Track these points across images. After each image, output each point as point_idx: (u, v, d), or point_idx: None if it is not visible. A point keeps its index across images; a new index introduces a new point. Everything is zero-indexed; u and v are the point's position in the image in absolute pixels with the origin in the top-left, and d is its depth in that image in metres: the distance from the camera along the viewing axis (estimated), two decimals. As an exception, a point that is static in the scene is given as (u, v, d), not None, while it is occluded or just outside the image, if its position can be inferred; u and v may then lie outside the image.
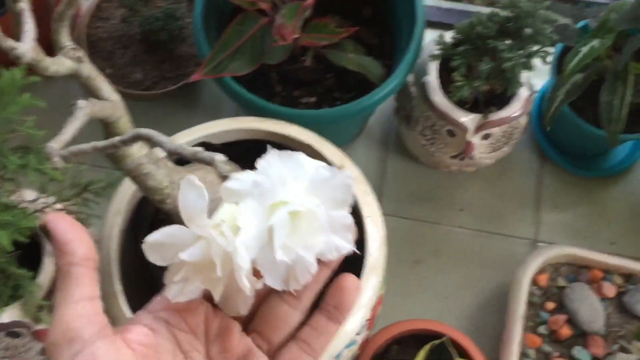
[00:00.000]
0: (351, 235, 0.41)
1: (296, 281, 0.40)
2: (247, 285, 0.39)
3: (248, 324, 0.44)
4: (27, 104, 0.65)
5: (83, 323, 0.38)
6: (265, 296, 0.44)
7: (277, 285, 0.40)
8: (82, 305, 0.38)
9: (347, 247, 0.41)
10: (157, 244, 0.40)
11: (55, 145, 0.46)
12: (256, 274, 0.40)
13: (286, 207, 0.39)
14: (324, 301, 0.43)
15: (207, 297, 0.43)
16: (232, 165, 0.84)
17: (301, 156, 0.40)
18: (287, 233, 0.39)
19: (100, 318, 0.39)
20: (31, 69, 0.48)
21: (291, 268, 0.40)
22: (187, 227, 0.40)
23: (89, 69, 0.55)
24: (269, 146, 0.40)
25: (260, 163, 0.39)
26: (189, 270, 0.40)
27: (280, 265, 0.39)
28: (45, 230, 0.39)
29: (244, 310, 0.41)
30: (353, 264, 0.79)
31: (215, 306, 0.43)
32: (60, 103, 1.21)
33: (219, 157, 0.42)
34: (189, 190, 0.39)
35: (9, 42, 0.37)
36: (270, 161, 0.39)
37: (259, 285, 0.40)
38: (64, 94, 1.24)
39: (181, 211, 0.39)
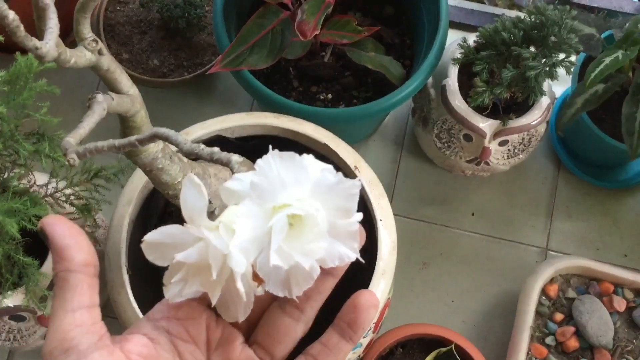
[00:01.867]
0: (357, 243, 0.39)
1: (297, 287, 0.38)
2: (243, 290, 0.37)
3: (250, 335, 0.43)
4: (42, 90, 0.65)
5: (80, 332, 0.36)
6: (267, 306, 0.43)
7: (278, 292, 0.38)
8: (79, 314, 0.36)
9: (352, 255, 0.38)
10: (156, 244, 0.38)
11: (72, 140, 0.45)
12: (257, 279, 0.39)
13: (285, 210, 0.37)
14: (338, 317, 0.41)
15: (209, 306, 0.41)
16: (249, 165, 0.83)
17: (305, 158, 0.38)
18: (284, 237, 0.37)
19: (98, 327, 0.37)
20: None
21: (291, 274, 0.38)
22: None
23: (108, 62, 0.54)
24: (270, 146, 0.38)
25: (258, 163, 0.37)
26: (187, 271, 0.39)
27: (279, 271, 0.38)
28: (43, 233, 0.37)
29: (242, 316, 0.40)
30: (363, 267, 0.78)
31: (217, 315, 0.42)
32: (73, 89, 1.21)
33: (235, 158, 0.41)
34: (189, 189, 0.38)
35: (33, 42, 0.35)
36: (270, 162, 0.37)
37: (260, 291, 0.39)
38: (78, 80, 1.23)
39: (182, 210, 0.38)
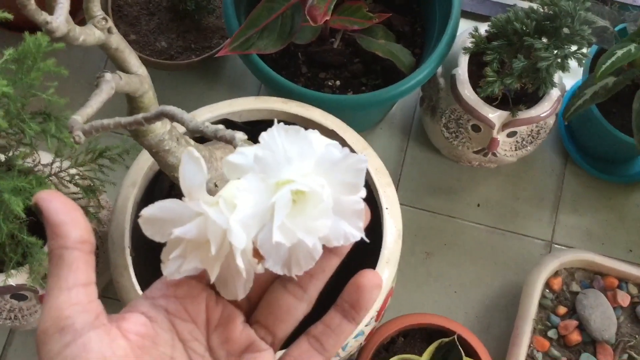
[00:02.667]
0: (362, 222, 0.38)
1: (298, 266, 0.37)
2: (242, 267, 0.36)
3: (251, 314, 0.42)
4: (50, 70, 0.64)
5: (76, 311, 0.35)
6: (269, 285, 0.42)
7: (278, 270, 0.37)
8: (75, 292, 0.35)
9: (357, 234, 0.37)
10: (153, 219, 0.37)
11: (79, 118, 0.45)
12: (257, 255, 0.37)
13: (289, 185, 0.36)
14: (341, 298, 0.40)
15: (209, 284, 0.40)
16: (253, 145, 0.82)
17: (310, 133, 0.37)
18: (287, 213, 0.36)
19: (94, 305, 0.36)
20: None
21: (293, 252, 0.37)
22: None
23: (118, 41, 0.54)
24: (275, 120, 0.37)
25: (263, 137, 0.36)
26: (186, 247, 0.38)
27: (281, 248, 0.37)
28: (38, 210, 0.36)
29: (241, 294, 0.39)
30: (368, 255, 0.78)
31: (217, 294, 0.41)
32: (80, 70, 1.20)
33: (240, 135, 0.40)
34: (188, 163, 0.37)
35: (44, 16, 0.35)
36: (275, 135, 0.35)
37: (260, 268, 0.37)
38: (85, 61, 1.22)
39: (181, 185, 0.37)
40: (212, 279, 0.38)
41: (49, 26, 0.36)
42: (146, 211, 0.37)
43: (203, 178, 0.37)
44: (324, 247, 0.37)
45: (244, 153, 0.36)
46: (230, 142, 0.40)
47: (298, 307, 0.41)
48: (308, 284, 0.41)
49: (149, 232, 0.38)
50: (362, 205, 0.38)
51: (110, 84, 0.50)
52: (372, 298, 0.40)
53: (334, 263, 0.41)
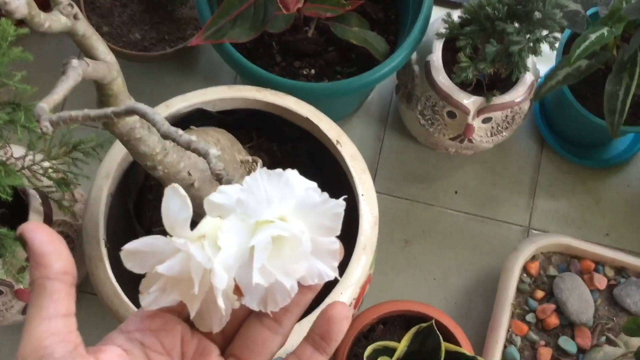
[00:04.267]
0: (336, 262, 0.39)
1: (274, 303, 0.39)
2: (223, 307, 0.37)
3: (226, 347, 0.43)
4: (17, 57, 0.63)
5: (55, 341, 0.36)
6: (245, 319, 0.43)
7: (254, 306, 0.38)
8: (55, 322, 0.36)
9: (331, 274, 0.39)
10: (135, 252, 0.38)
11: (45, 105, 0.44)
12: (237, 292, 0.38)
13: (270, 229, 0.37)
14: (311, 330, 0.42)
15: (184, 318, 0.41)
16: (229, 138, 0.82)
17: (291, 175, 0.38)
18: (267, 256, 0.37)
19: (73, 336, 0.37)
20: (24, 23, 0.46)
21: (270, 290, 0.38)
22: (170, 235, 0.38)
23: (84, 27, 0.53)
24: (260, 162, 0.39)
25: (246, 180, 0.37)
26: (167, 282, 0.39)
27: (259, 287, 0.38)
28: (22, 240, 0.37)
29: (217, 327, 0.40)
30: (344, 243, 0.78)
31: (192, 327, 0.42)
32: (51, 61, 1.19)
33: (214, 152, 0.41)
34: (173, 199, 0.38)
35: (2, -5, 0.34)
36: (257, 179, 0.37)
37: (237, 304, 0.39)
38: (56, 52, 1.21)
39: (164, 219, 0.38)
40: (192, 314, 0.39)
41: (8, 7, 0.35)
42: (129, 246, 0.38)
43: (187, 215, 0.38)
44: (299, 283, 0.39)
45: (227, 193, 0.38)
46: (205, 157, 0.41)
47: (273, 340, 0.42)
48: (283, 318, 0.42)
49: (129, 264, 0.39)
50: (337, 245, 0.39)
51: (77, 70, 0.49)
52: (341, 330, 0.41)
53: (309, 298, 0.42)
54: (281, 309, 0.40)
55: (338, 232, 0.39)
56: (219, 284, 0.37)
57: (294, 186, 0.38)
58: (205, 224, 0.39)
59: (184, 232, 0.38)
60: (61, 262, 0.37)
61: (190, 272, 0.37)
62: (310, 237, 0.38)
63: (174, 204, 0.38)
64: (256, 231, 0.38)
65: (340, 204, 0.38)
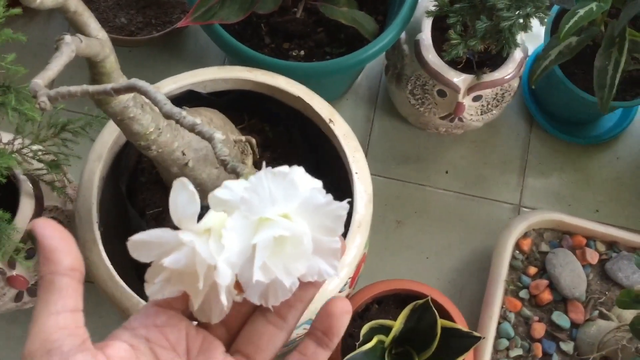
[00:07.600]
0: (337, 261, 0.40)
1: (275, 298, 0.40)
2: (226, 303, 0.38)
3: (231, 343, 0.43)
4: (8, 38, 0.62)
5: (63, 335, 0.36)
6: (249, 315, 0.43)
7: (255, 300, 0.39)
8: (63, 316, 0.37)
9: (331, 273, 0.40)
10: (142, 243, 0.39)
11: (40, 81, 0.44)
12: (238, 287, 0.39)
13: (272, 228, 0.38)
14: (313, 326, 0.42)
15: (189, 315, 0.42)
16: (222, 118, 0.81)
17: (297, 175, 0.38)
18: (269, 254, 0.38)
19: (81, 331, 0.37)
20: (15, 4, 0.45)
21: (271, 286, 0.39)
22: (176, 226, 0.39)
23: (76, 3, 0.52)
24: (264, 162, 0.39)
25: (251, 179, 0.37)
26: (172, 273, 0.39)
27: (260, 283, 0.38)
28: (32, 236, 0.38)
29: (216, 319, 0.41)
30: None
31: (197, 324, 0.42)
32: (41, 44, 1.18)
33: (218, 136, 0.41)
34: (181, 193, 0.38)
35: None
36: (262, 178, 0.37)
37: (239, 298, 0.40)
38: (46, 34, 1.20)
39: (171, 213, 0.38)
40: (195, 307, 0.40)
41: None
42: (135, 237, 0.39)
43: (195, 210, 0.38)
44: (301, 280, 0.40)
45: (231, 189, 0.38)
46: (210, 141, 0.41)
47: (278, 336, 0.43)
48: (287, 314, 0.42)
49: (135, 254, 0.39)
50: (339, 244, 0.40)
51: (71, 46, 0.49)
52: (343, 324, 0.42)
53: (312, 293, 0.43)
54: (285, 305, 0.41)
55: (340, 233, 0.39)
56: (223, 281, 0.37)
57: (299, 186, 0.38)
58: (210, 218, 0.39)
59: (191, 225, 0.38)
60: (70, 258, 0.37)
61: (194, 265, 0.38)
62: (312, 236, 0.39)
63: (182, 198, 0.38)
64: (259, 228, 0.38)
65: (343, 207, 0.38)
